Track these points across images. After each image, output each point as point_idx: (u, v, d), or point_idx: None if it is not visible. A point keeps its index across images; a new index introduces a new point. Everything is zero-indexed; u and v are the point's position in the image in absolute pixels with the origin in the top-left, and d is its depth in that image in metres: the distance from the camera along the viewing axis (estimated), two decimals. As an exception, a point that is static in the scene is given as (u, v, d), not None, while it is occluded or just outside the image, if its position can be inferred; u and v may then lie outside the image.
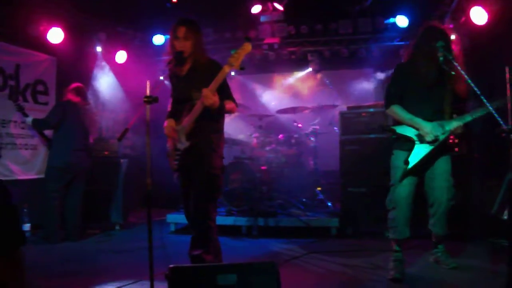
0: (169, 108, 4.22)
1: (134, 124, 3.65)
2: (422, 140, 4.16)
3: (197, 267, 3.16)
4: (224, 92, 3.94)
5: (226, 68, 3.74)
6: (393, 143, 4.44)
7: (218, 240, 4.08)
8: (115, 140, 7.28)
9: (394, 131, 4.33)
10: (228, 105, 3.94)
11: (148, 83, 3.44)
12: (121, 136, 3.55)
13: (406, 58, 4.43)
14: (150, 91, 3.46)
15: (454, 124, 4.10)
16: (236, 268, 2.78)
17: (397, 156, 4.34)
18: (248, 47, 3.73)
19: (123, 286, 4.18)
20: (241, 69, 3.74)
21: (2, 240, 2.21)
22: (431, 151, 4.15)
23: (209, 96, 3.65)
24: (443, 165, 4.30)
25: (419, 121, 4.14)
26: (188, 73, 4.05)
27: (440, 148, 4.17)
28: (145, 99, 3.43)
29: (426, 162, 4.22)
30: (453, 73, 3.92)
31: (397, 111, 4.26)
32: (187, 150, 3.91)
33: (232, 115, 9.00)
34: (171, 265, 2.71)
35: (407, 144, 4.24)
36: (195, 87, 3.82)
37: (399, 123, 4.32)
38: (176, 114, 4.07)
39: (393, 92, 4.34)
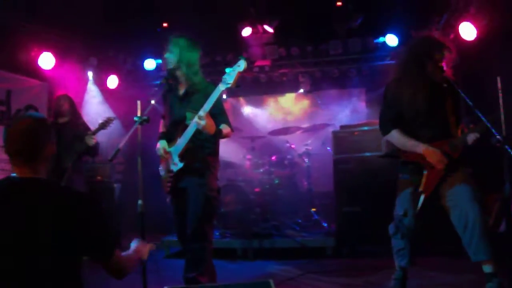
0: (160, 129, 4.19)
1: (125, 146, 3.61)
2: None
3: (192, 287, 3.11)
4: (221, 116, 3.94)
5: (221, 87, 3.71)
6: (400, 166, 4.05)
7: (212, 263, 4.02)
8: (108, 165, 7.23)
9: (401, 156, 3.98)
10: (225, 130, 3.92)
11: (139, 103, 3.43)
12: (113, 157, 3.52)
13: (396, 75, 4.07)
14: (141, 112, 3.45)
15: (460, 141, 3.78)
16: (232, 288, 2.74)
17: (405, 182, 3.99)
18: (243, 64, 3.72)
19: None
20: (237, 87, 3.72)
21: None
22: (444, 172, 3.78)
23: (203, 119, 3.59)
24: (459, 178, 3.80)
25: (424, 148, 3.76)
26: (184, 94, 4.04)
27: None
28: (136, 120, 3.42)
29: (441, 185, 3.83)
30: (445, 85, 3.84)
31: (398, 136, 3.90)
32: (181, 171, 3.87)
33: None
34: (166, 287, 2.66)
35: (417, 169, 3.87)
36: (190, 108, 3.80)
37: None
38: (168, 135, 4.05)
39: (389, 116, 4.00)
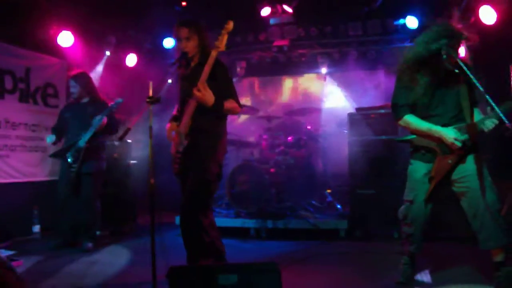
0: (174, 112, 4.21)
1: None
2: (445, 149, 3.75)
3: (197, 267, 3.16)
4: (225, 90, 3.90)
5: (213, 53, 3.76)
6: (412, 153, 4.02)
7: (220, 242, 4.05)
8: (126, 143, 7.31)
9: (412, 142, 3.97)
10: (229, 104, 3.88)
11: (150, 83, 3.46)
12: (122, 136, 3.57)
13: (408, 61, 3.96)
14: (153, 92, 3.48)
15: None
16: (237, 268, 2.78)
17: (416, 168, 3.94)
18: (229, 25, 3.81)
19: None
20: (227, 49, 3.76)
21: None
22: (457, 159, 3.75)
23: (198, 88, 3.61)
24: (471, 164, 3.75)
25: (439, 130, 3.72)
26: (191, 73, 4.03)
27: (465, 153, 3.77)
28: (148, 100, 3.45)
29: (452, 171, 3.80)
30: (456, 71, 3.76)
31: (412, 121, 3.87)
32: (188, 150, 3.87)
33: (242, 117, 9.09)
34: (171, 265, 2.71)
35: (428, 155, 3.86)
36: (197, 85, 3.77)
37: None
38: (179, 116, 4.06)
39: (401, 101, 3.94)
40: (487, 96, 3.43)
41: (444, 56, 3.69)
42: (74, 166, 5.70)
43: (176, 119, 4.10)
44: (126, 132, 3.57)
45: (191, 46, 3.97)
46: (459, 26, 6.26)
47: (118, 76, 8.18)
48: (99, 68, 8.03)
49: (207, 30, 4.13)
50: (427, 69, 3.83)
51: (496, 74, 6.32)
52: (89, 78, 6.17)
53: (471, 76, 3.55)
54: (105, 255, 5.63)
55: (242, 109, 4.10)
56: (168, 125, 4.08)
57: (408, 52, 4.00)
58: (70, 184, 5.78)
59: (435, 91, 3.85)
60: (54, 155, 6.04)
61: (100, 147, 5.99)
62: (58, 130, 6.03)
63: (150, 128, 3.46)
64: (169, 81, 6.47)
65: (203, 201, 3.94)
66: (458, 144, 3.64)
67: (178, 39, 4.02)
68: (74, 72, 6.11)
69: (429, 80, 3.82)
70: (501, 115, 3.37)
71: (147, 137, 3.41)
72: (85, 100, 6.01)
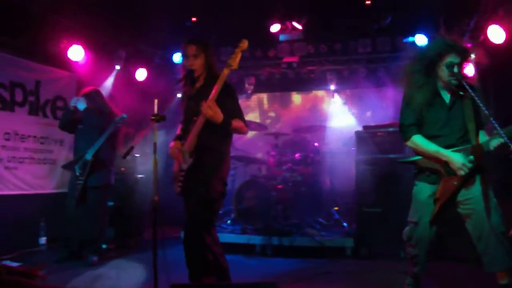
0: (178, 131, 4.22)
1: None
2: (451, 171, 3.66)
3: (198, 285, 3.15)
4: (232, 110, 3.90)
5: (225, 71, 3.75)
6: (416, 174, 3.94)
7: (223, 259, 4.01)
8: (132, 157, 7.34)
9: (417, 164, 3.90)
10: (236, 123, 3.88)
11: (155, 101, 3.47)
12: (126, 154, 3.58)
13: (412, 80, 3.89)
14: (158, 109, 3.49)
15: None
16: None
17: (421, 189, 3.87)
18: (244, 44, 3.78)
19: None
20: (239, 68, 3.75)
21: None
22: (463, 181, 3.66)
23: (209, 106, 3.62)
24: (477, 186, 3.68)
25: (447, 154, 3.65)
26: (197, 91, 4.04)
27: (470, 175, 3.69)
28: (153, 117, 3.46)
29: (457, 192, 3.72)
30: (461, 93, 3.74)
31: (419, 142, 3.79)
32: (191, 169, 3.86)
33: (250, 134, 9.10)
34: (172, 283, 2.70)
35: (433, 177, 3.79)
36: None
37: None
38: (183, 135, 4.07)
39: (408, 121, 3.88)
40: (491, 119, 3.40)
41: (454, 82, 3.67)
42: (81, 178, 5.74)
43: (180, 138, 4.10)
44: (129, 150, 3.58)
45: (198, 64, 3.98)
46: (468, 45, 6.27)
47: (127, 90, 8.21)
48: (109, 82, 8.06)
49: (217, 46, 4.14)
50: (430, 89, 3.80)
51: (505, 94, 6.30)
52: (101, 95, 6.25)
53: (476, 98, 3.53)
54: (109, 269, 5.63)
55: (248, 128, 4.07)
56: (172, 144, 4.08)
57: (410, 71, 3.97)
58: (77, 197, 5.81)
59: (438, 112, 3.81)
60: (65, 167, 6.11)
61: (107, 160, 6.01)
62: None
63: (155, 144, 3.47)
64: (179, 95, 6.49)
65: (207, 219, 3.91)
66: (465, 170, 3.59)
67: (185, 56, 4.02)
68: (86, 89, 6.18)
69: (431, 100, 3.79)
70: (505, 138, 3.33)
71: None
72: (95, 113, 6.05)
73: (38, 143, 6.96)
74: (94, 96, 6.10)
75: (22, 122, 6.70)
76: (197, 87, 4.07)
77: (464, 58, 3.80)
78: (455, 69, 3.68)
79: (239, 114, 3.97)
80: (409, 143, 3.92)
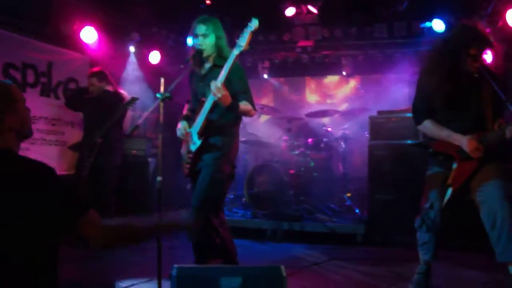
0: (184, 111, 4.17)
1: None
2: (464, 156, 3.63)
3: (201, 267, 3.11)
4: (244, 94, 3.85)
5: (235, 51, 3.67)
6: (430, 158, 3.93)
7: (231, 243, 3.97)
8: (144, 140, 7.32)
9: (431, 147, 3.86)
10: (244, 106, 3.81)
11: (162, 80, 3.43)
12: (130, 132, 3.56)
13: (430, 65, 3.88)
14: (164, 89, 3.45)
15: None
16: (242, 271, 2.72)
17: (434, 174, 3.86)
18: (254, 24, 3.67)
19: (135, 284, 4.21)
20: (250, 49, 3.67)
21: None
22: (477, 167, 3.63)
23: (218, 88, 3.55)
24: (491, 173, 3.63)
25: (459, 138, 3.63)
26: (206, 74, 3.99)
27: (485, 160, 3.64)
28: (159, 97, 3.42)
29: (471, 179, 3.68)
30: (476, 75, 3.66)
31: (431, 126, 3.79)
32: (200, 151, 3.83)
33: (263, 118, 9.04)
34: (175, 265, 2.66)
35: (447, 162, 3.73)
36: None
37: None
38: (191, 116, 4.02)
39: (422, 106, 3.88)
40: (508, 104, 3.32)
41: (466, 61, 3.59)
42: (89, 160, 5.74)
43: (188, 118, 4.05)
44: (134, 129, 3.55)
45: (207, 44, 3.92)
46: (488, 30, 6.12)
47: (141, 72, 8.20)
48: (123, 64, 8.04)
49: (231, 29, 4.06)
50: (447, 74, 3.71)
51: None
52: (107, 76, 6.22)
53: (493, 84, 3.45)
54: (113, 252, 5.62)
55: (256, 111, 4.01)
56: (179, 125, 4.03)
57: (430, 56, 3.91)
58: (84, 177, 5.81)
59: (455, 97, 3.73)
60: (71, 148, 6.11)
61: (116, 141, 5.98)
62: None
63: (161, 125, 3.43)
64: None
65: (214, 201, 3.86)
66: (479, 153, 3.53)
67: (194, 36, 3.97)
68: (92, 70, 6.20)
69: (448, 85, 3.69)
70: None
71: (167, 133, 3.37)
72: (102, 95, 6.03)
73: (49, 124, 6.95)
74: (102, 77, 6.10)
75: (34, 104, 6.66)
76: (205, 68, 4.02)
77: (487, 48, 3.81)
78: (477, 59, 3.61)
79: (248, 97, 3.90)
80: (421, 127, 3.90)
